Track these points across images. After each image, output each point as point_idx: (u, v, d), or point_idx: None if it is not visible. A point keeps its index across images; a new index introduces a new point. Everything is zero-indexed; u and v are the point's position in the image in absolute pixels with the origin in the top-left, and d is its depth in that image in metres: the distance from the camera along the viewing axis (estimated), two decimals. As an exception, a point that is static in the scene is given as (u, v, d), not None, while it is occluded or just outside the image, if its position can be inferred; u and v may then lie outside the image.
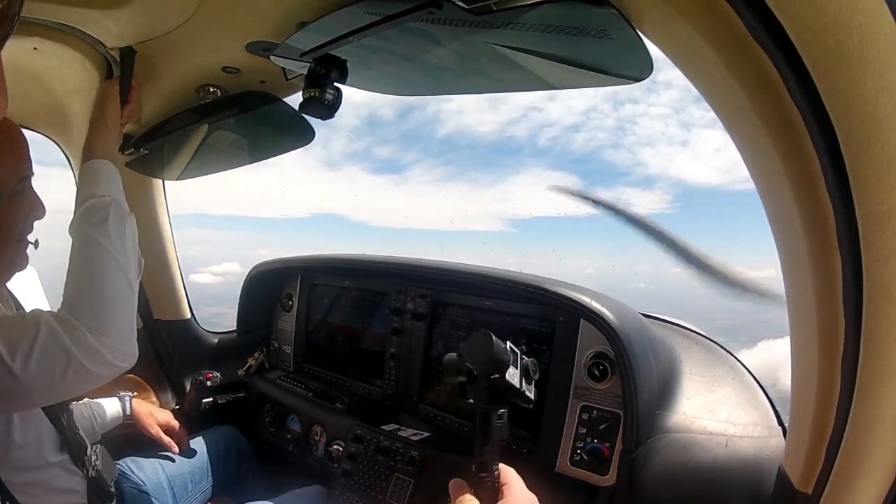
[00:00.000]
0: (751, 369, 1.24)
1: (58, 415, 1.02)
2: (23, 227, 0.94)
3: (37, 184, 0.99)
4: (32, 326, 0.81)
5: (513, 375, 0.72)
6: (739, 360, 1.27)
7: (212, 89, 1.17)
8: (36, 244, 1.00)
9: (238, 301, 1.93)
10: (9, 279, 1.00)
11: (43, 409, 0.98)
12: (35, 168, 1.00)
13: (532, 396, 0.75)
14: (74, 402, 1.30)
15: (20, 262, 0.98)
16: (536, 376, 0.77)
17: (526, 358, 0.76)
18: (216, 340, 1.97)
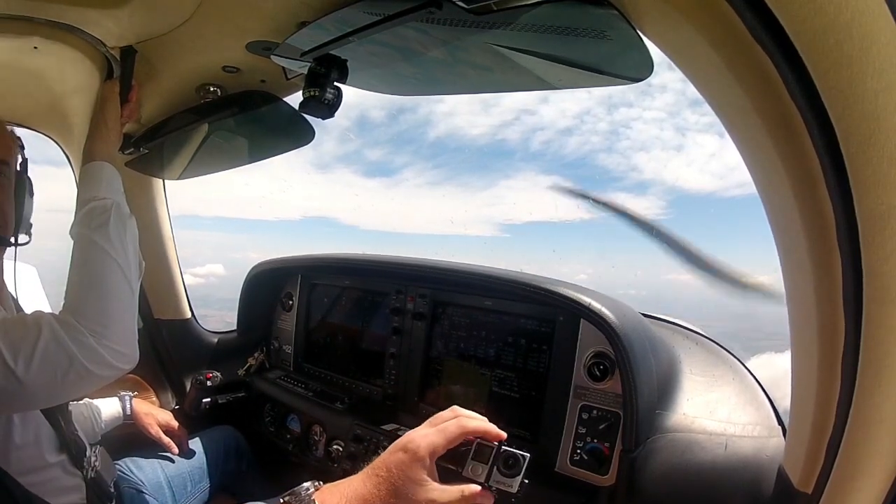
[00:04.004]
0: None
1: (56, 416, 1.02)
2: None
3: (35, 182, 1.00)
4: (34, 329, 0.81)
5: (475, 470, 0.72)
6: (740, 360, 1.27)
7: (212, 89, 1.17)
8: (9, 243, 0.99)
9: (238, 300, 1.93)
10: None
11: (41, 410, 0.98)
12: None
13: (513, 490, 0.71)
14: (74, 403, 1.31)
15: None
16: (520, 468, 0.72)
17: (510, 449, 0.73)
18: (216, 340, 1.97)
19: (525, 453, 0.73)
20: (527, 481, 0.72)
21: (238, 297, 1.92)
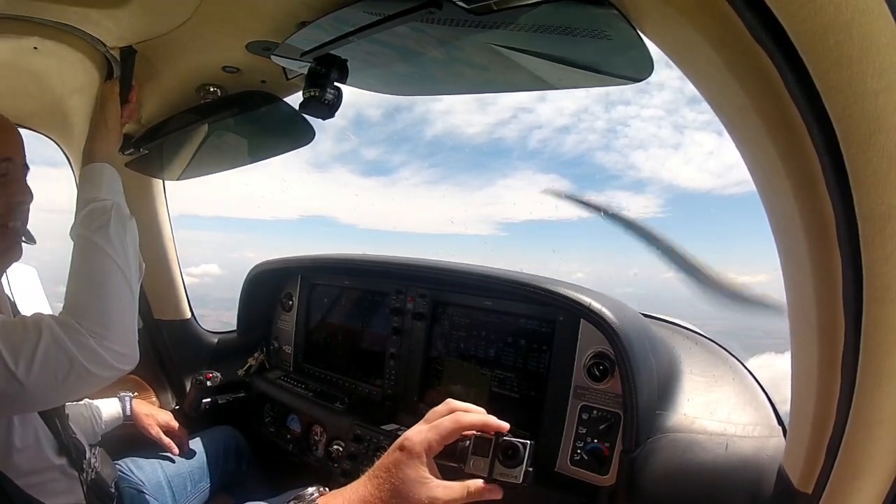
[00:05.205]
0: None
1: (52, 418, 1.02)
2: (4, 211, 0.92)
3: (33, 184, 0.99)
4: (34, 331, 0.81)
5: (476, 465, 0.71)
6: (740, 360, 1.27)
7: (212, 89, 1.17)
8: (30, 239, 0.99)
9: (237, 300, 1.93)
10: (3, 270, 0.99)
11: (38, 413, 0.97)
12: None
13: (518, 480, 0.70)
14: (73, 403, 1.30)
15: (12, 253, 0.96)
16: (521, 458, 0.71)
17: (509, 439, 0.72)
18: (216, 340, 1.98)
19: (525, 441, 0.71)
20: (531, 469, 0.71)
21: (234, 296, 1.93)
